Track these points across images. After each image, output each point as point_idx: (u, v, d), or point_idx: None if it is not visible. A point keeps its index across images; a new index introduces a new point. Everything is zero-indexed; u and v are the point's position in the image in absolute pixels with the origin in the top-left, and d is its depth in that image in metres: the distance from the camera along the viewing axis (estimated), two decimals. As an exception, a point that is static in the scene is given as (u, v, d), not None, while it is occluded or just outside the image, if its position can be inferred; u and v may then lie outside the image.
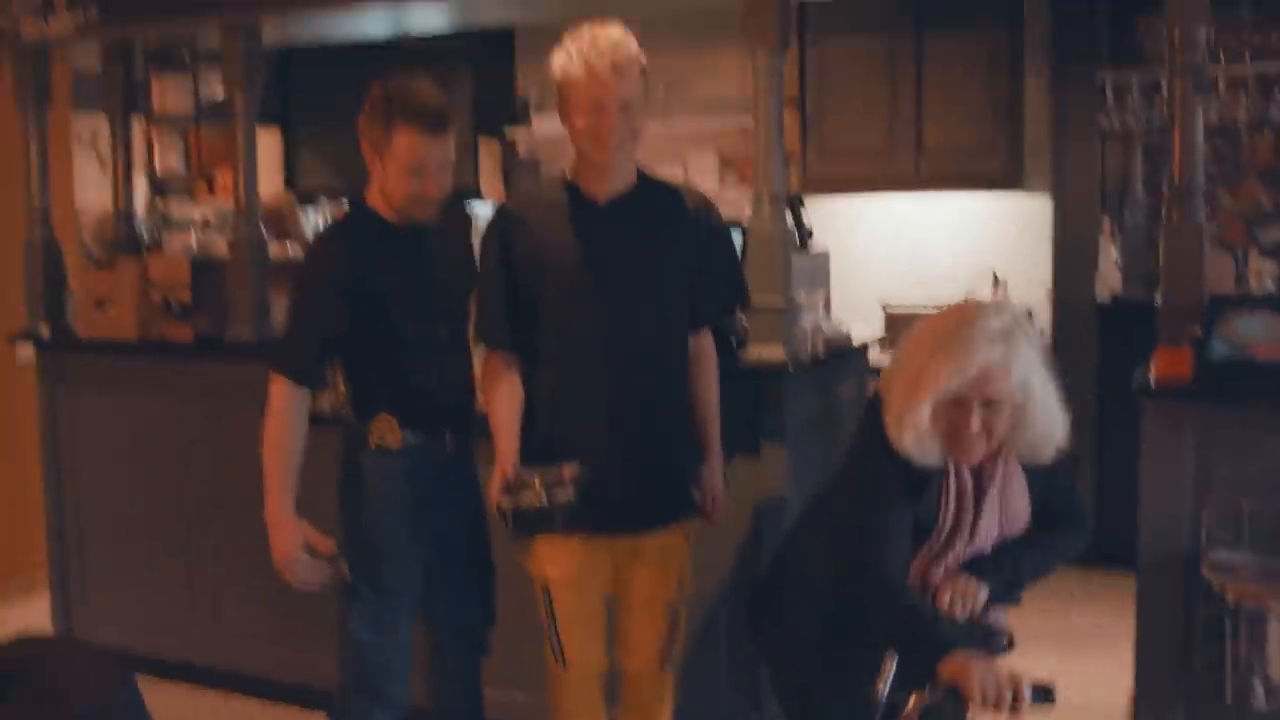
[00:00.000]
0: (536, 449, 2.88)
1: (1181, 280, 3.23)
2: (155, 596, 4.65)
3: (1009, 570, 2.47)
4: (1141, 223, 5.87)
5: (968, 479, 2.46)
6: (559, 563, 2.91)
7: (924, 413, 2.35)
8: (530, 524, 2.77)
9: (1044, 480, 2.53)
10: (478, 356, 3.08)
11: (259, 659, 4.41)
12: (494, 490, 2.80)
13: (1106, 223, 5.95)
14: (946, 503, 2.46)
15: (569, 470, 2.73)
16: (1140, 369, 3.31)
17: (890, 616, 2.38)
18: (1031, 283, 6.04)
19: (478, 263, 3.03)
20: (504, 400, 2.91)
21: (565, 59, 2.80)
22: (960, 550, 2.48)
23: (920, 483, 2.45)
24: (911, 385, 2.37)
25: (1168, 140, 3.22)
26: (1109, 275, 5.87)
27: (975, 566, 2.45)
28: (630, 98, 2.79)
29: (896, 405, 2.40)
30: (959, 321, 2.38)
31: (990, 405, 2.33)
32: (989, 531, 2.48)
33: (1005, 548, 2.50)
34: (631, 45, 2.81)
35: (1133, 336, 3.48)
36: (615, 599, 3.01)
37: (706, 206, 3.02)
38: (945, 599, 2.40)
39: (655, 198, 2.98)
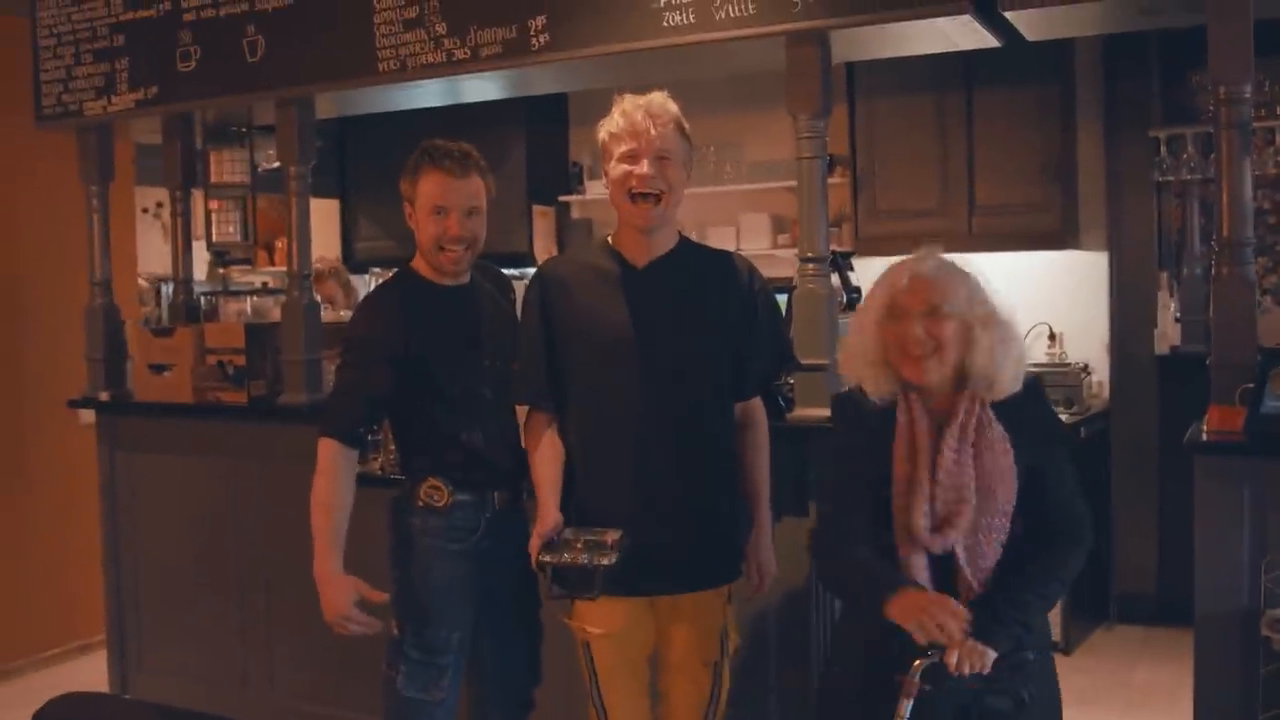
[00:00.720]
0: (573, 509, 2.90)
1: (1232, 335, 3.17)
2: (209, 656, 4.70)
3: (1014, 623, 2.43)
4: (1199, 275, 5.81)
5: (922, 414, 2.45)
6: (600, 619, 2.92)
7: (869, 328, 2.42)
8: (570, 583, 2.78)
9: (1035, 450, 2.47)
10: (521, 415, 3.10)
11: (312, 719, 4.43)
12: (534, 546, 2.82)
13: (1164, 276, 5.90)
14: (899, 438, 2.45)
15: (611, 536, 2.75)
16: (1194, 425, 3.26)
17: (838, 565, 2.49)
18: (1089, 337, 5.99)
19: (520, 323, 3.07)
20: (545, 458, 2.94)
21: (607, 118, 2.91)
22: (937, 496, 2.42)
23: (876, 426, 2.47)
24: (859, 315, 2.49)
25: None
26: (1167, 328, 5.82)
27: (980, 626, 2.40)
28: (666, 150, 2.85)
29: (849, 343, 2.50)
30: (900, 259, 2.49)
31: (933, 314, 2.35)
32: (961, 476, 2.42)
33: (1005, 596, 2.44)
34: (671, 105, 2.89)
35: (1193, 389, 3.42)
36: (656, 658, 3.01)
37: (750, 272, 3.02)
38: (953, 661, 2.37)
39: (696, 262, 3.00)
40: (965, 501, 2.41)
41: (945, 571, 2.47)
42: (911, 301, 2.38)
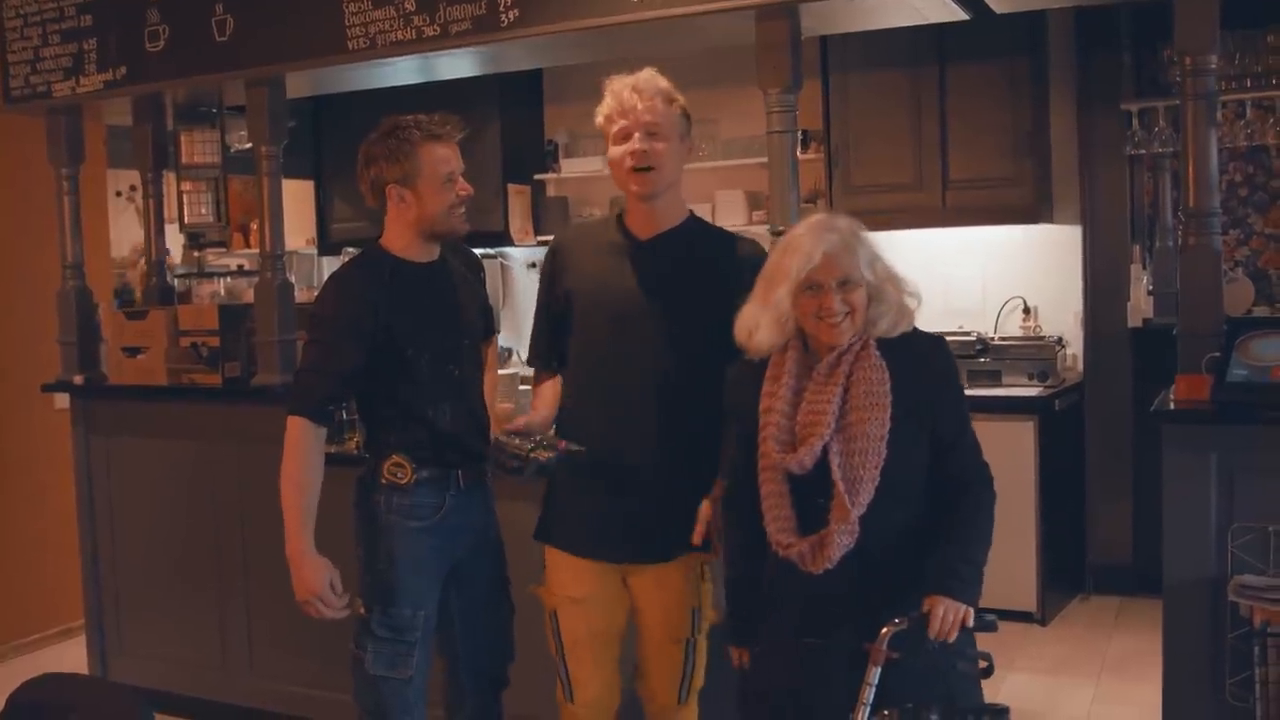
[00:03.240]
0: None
1: (1199, 305, 3.20)
2: (188, 638, 4.70)
3: (973, 576, 2.48)
4: (1171, 248, 5.84)
5: (796, 350, 2.61)
6: (567, 586, 2.97)
7: (783, 301, 2.56)
8: (504, 461, 2.88)
9: (932, 398, 2.58)
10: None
11: (291, 699, 4.44)
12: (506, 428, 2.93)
13: (1136, 249, 5.93)
14: (770, 372, 2.62)
15: (571, 445, 2.86)
16: (1162, 394, 3.29)
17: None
18: (1062, 311, 6.02)
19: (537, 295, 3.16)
20: (546, 388, 3.10)
21: (601, 103, 2.94)
22: (795, 419, 2.55)
23: (756, 373, 2.66)
24: (768, 283, 2.60)
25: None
26: (1140, 301, 5.84)
27: (945, 586, 2.44)
28: (655, 124, 2.88)
29: (751, 312, 2.62)
30: (804, 226, 2.61)
31: (846, 285, 2.53)
32: (821, 402, 2.54)
33: (954, 551, 2.50)
34: (658, 80, 2.93)
35: (1166, 361, 3.44)
36: (632, 632, 3.04)
37: (756, 256, 3.00)
38: (935, 628, 2.40)
39: (701, 240, 3.04)
40: (821, 425, 2.52)
41: (813, 494, 2.54)
42: (826, 276, 2.53)
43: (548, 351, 3.11)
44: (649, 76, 2.91)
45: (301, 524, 2.97)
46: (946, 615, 2.39)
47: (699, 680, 3.04)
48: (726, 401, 2.77)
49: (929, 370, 2.60)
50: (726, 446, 2.79)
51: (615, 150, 2.90)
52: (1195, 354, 3.16)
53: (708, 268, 2.96)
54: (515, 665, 3.28)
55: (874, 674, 2.43)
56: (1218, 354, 3.12)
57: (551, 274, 3.08)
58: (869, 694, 2.43)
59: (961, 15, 3.66)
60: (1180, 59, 3.21)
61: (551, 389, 3.10)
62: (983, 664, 2.50)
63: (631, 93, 2.86)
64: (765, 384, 2.62)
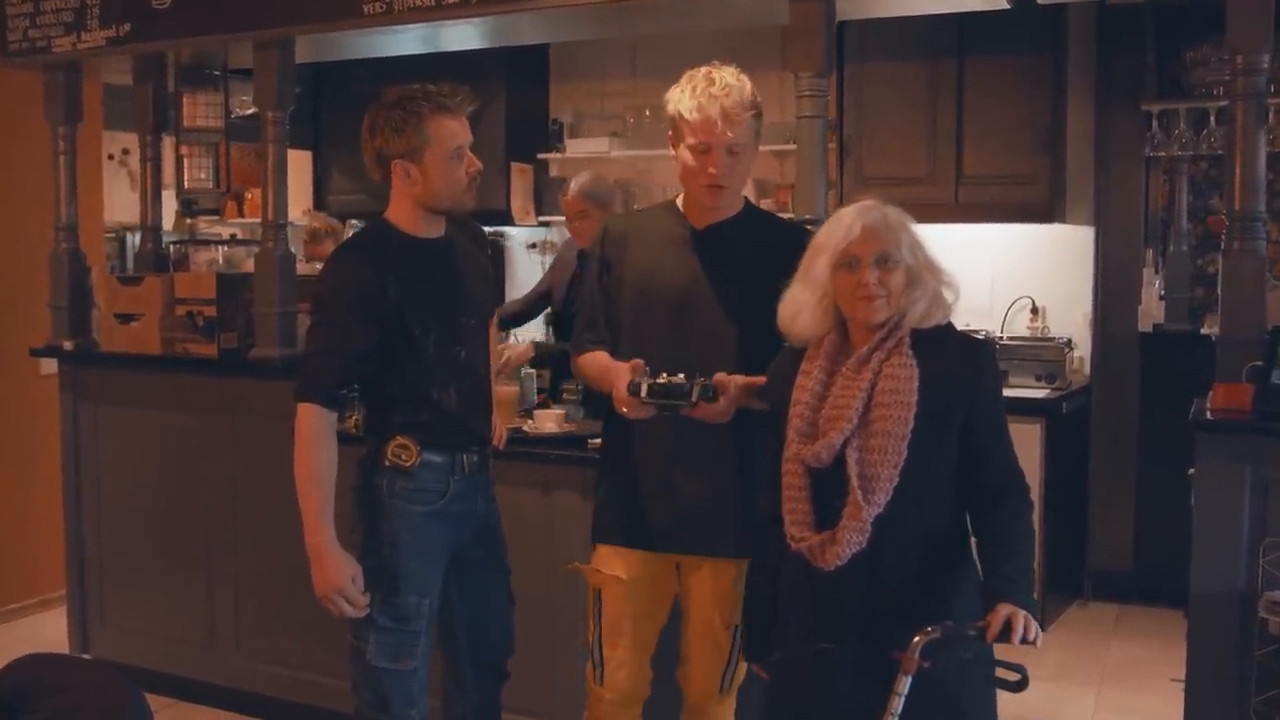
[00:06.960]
0: (609, 457, 3.00)
1: (1241, 311, 3.13)
2: (174, 614, 4.58)
3: (1027, 584, 2.44)
4: (1185, 252, 5.79)
5: (832, 343, 2.56)
6: (617, 565, 2.95)
7: (822, 274, 2.52)
8: (667, 394, 2.75)
9: (971, 402, 2.50)
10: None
11: (278, 680, 4.33)
12: (621, 386, 2.78)
13: (1149, 253, 5.86)
14: (804, 363, 2.57)
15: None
16: (1198, 401, 3.21)
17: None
18: (1072, 312, 5.94)
19: (580, 277, 3.14)
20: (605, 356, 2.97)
21: (679, 94, 2.86)
22: (820, 411, 2.51)
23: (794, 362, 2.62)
24: (810, 258, 2.56)
25: (1215, 170, 3.13)
26: (1150, 306, 5.79)
27: (1016, 600, 2.36)
28: (739, 143, 2.83)
29: (794, 294, 2.58)
30: (851, 205, 2.57)
31: (883, 262, 2.47)
32: (847, 396, 2.48)
33: (1012, 566, 2.44)
34: (745, 89, 2.84)
35: (1174, 366, 3.37)
36: (680, 619, 3.01)
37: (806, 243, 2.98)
38: (1017, 638, 2.32)
39: (757, 229, 3.00)
40: (843, 419, 2.46)
41: (832, 493, 2.47)
42: (864, 250, 2.48)
43: (604, 331, 3.01)
44: (739, 91, 2.81)
45: (321, 516, 2.84)
46: (1029, 622, 2.33)
47: (741, 673, 2.98)
48: (765, 392, 2.71)
49: (964, 375, 2.52)
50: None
51: (691, 159, 2.83)
52: (1235, 362, 3.09)
53: (764, 255, 2.89)
54: (514, 659, 3.19)
55: (904, 683, 2.35)
56: (1260, 363, 3.04)
57: (604, 259, 3.01)
58: (898, 704, 2.35)
59: (1002, 3, 3.57)
60: (1231, 57, 3.13)
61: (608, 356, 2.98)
62: (1015, 676, 2.42)
63: (721, 114, 2.77)
64: (799, 376, 2.56)
